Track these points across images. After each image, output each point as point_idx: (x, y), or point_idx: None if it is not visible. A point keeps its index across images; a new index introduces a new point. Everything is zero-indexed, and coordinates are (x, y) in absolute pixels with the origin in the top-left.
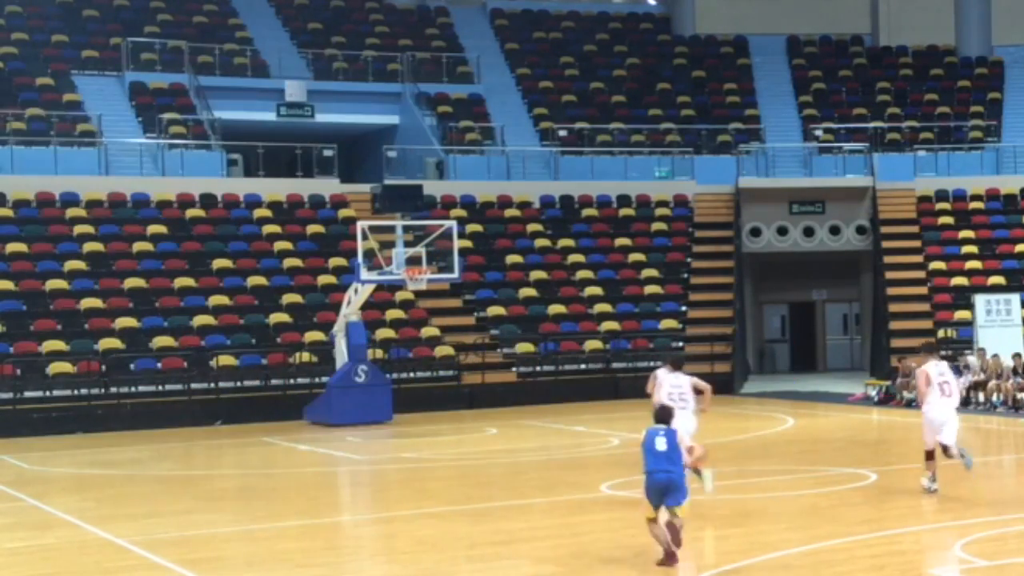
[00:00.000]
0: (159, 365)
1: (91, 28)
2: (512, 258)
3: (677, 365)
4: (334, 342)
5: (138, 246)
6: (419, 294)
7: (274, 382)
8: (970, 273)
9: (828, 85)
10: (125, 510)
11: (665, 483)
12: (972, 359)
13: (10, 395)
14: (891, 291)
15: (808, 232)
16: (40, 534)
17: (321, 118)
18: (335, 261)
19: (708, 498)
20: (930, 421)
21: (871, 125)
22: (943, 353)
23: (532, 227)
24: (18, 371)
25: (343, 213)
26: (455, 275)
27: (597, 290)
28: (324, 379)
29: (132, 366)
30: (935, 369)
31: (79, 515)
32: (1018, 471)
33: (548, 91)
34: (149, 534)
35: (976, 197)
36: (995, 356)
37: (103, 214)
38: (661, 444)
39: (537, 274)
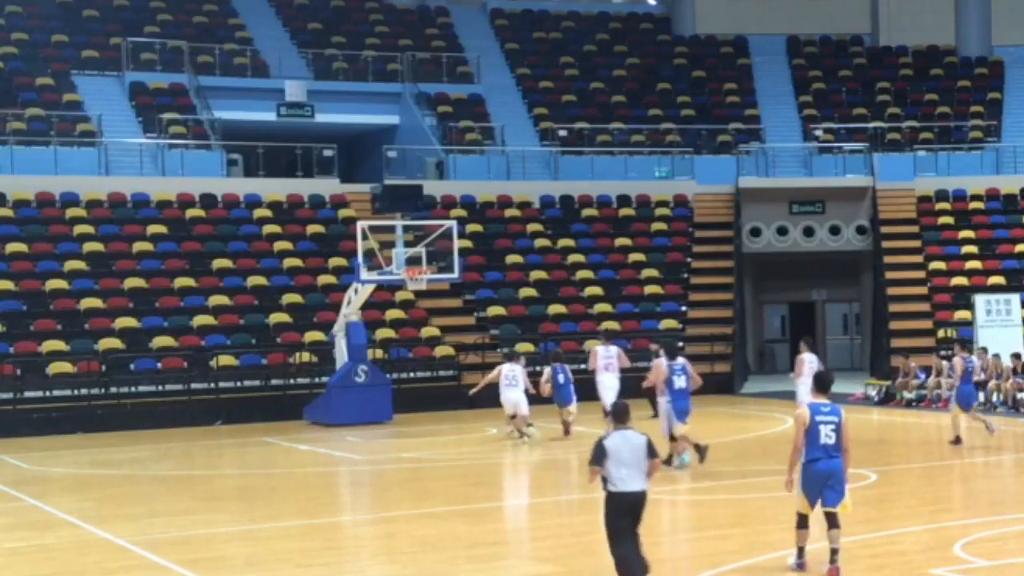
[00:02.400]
0: (159, 365)
1: (91, 28)
2: (512, 258)
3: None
4: (334, 342)
5: (138, 246)
6: (419, 294)
7: (274, 382)
8: (970, 273)
9: (828, 85)
10: (125, 510)
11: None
12: (974, 359)
13: (10, 395)
14: (891, 291)
15: (808, 232)
16: (40, 534)
17: (321, 118)
18: (335, 261)
19: (709, 499)
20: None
21: (871, 125)
22: (943, 353)
23: (532, 227)
24: (18, 371)
25: (343, 213)
26: (455, 275)
27: (597, 290)
28: (324, 379)
29: (132, 366)
30: (604, 351)
31: (79, 515)
32: (1018, 471)
33: (548, 91)
34: (149, 534)
35: (976, 197)
36: (995, 356)
37: (103, 214)
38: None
39: (537, 274)
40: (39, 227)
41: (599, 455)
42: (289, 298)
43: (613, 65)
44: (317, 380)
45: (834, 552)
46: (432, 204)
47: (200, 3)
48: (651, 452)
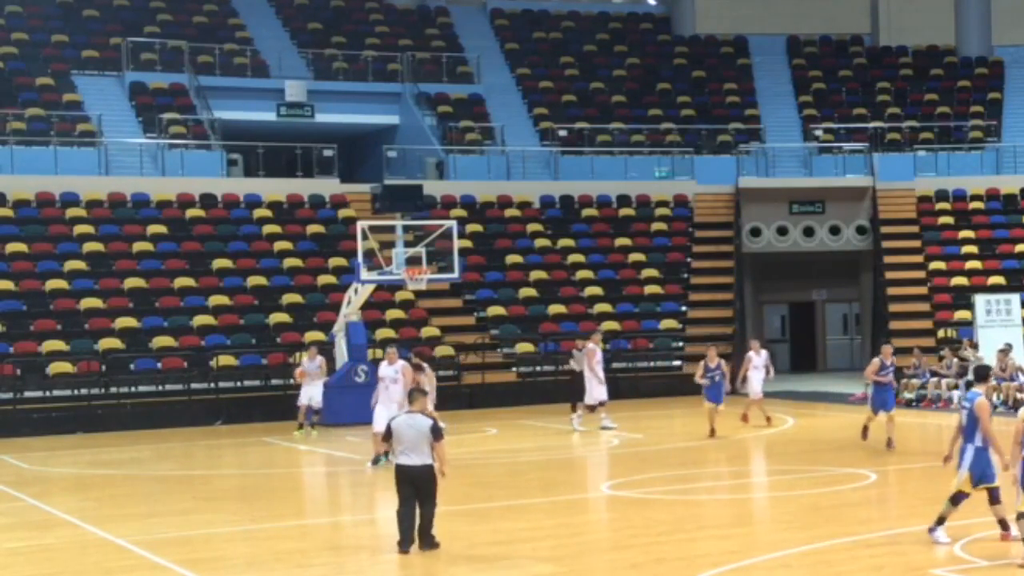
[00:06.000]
0: (159, 365)
1: (91, 28)
2: (512, 258)
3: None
4: (334, 342)
5: (138, 246)
6: (419, 294)
7: (274, 382)
8: (970, 273)
9: (828, 85)
10: (125, 510)
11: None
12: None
13: (10, 395)
14: (891, 291)
15: (808, 232)
16: (40, 534)
17: (321, 118)
18: (335, 261)
19: (709, 499)
20: None
21: (871, 125)
22: (943, 353)
23: (532, 227)
24: (18, 371)
25: (343, 213)
26: (455, 275)
27: (597, 290)
28: (324, 379)
29: (132, 366)
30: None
31: (79, 515)
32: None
33: (548, 91)
34: (149, 534)
35: (976, 197)
36: (1007, 348)
37: (103, 214)
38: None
39: (537, 274)
40: (39, 227)
41: (387, 433)
42: (289, 298)
43: (613, 65)
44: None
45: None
46: (432, 204)
47: (200, 3)
48: (436, 435)
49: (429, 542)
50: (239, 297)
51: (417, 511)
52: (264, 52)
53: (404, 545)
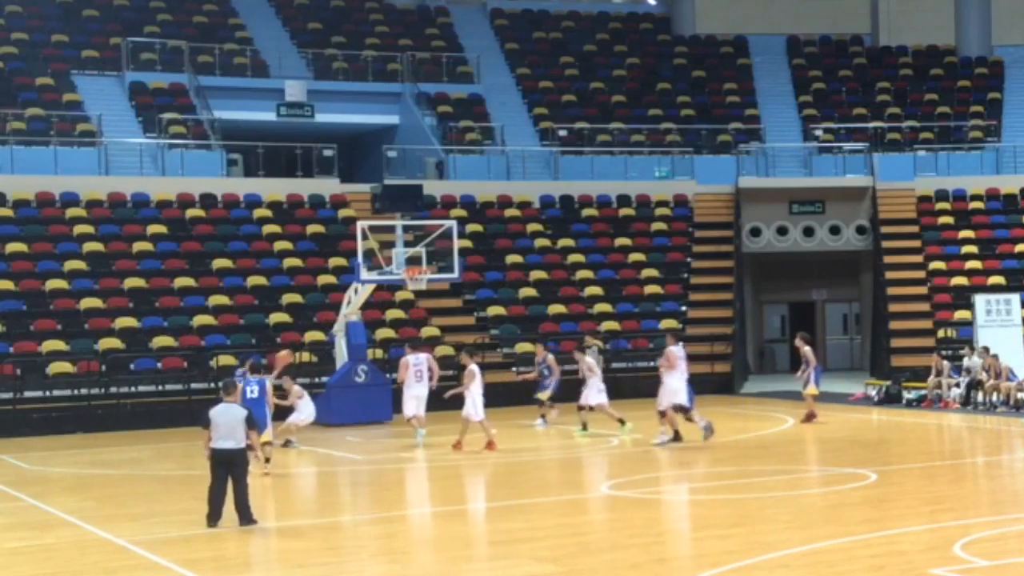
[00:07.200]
0: (159, 365)
1: (91, 28)
2: (512, 258)
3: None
4: (334, 342)
5: (138, 246)
6: (419, 294)
7: (274, 382)
8: (970, 273)
9: (828, 85)
10: (125, 510)
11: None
12: (976, 359)
13: (10, 395)
14: (891, 291)
15: (808, 232)
16: (40, 534)
17: (321, 118)
18: (335, 261)
19: (709, 499)
20: (412, 397)
21: (871, 125)
22: (945, 353)
23: (532, 227)
24: (18, 371)
25: (343, 213)
26: (455, 275)
27: (597, 290)
28: (324, 379)
29: (132, 366)
30: (412, 359)
31: (79, 515)
32: (1018, 471)
33: (548, 91)
34: (149, 534)
35: (976, 197)
36: (994, 356)
37: (103, 214)
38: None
39: (537, 274)
40: (39, 227)
41: (204, 420)
42: (289, 298)
43: (613, 65)
44: (317, 380)
45: None
46: (432, 204)
47: (200, 3)
48: (249, 424)
49: (247, 518)
50: (239, 297)
51: (230, 490)
52: (264, 52)
53: (213, 520)
